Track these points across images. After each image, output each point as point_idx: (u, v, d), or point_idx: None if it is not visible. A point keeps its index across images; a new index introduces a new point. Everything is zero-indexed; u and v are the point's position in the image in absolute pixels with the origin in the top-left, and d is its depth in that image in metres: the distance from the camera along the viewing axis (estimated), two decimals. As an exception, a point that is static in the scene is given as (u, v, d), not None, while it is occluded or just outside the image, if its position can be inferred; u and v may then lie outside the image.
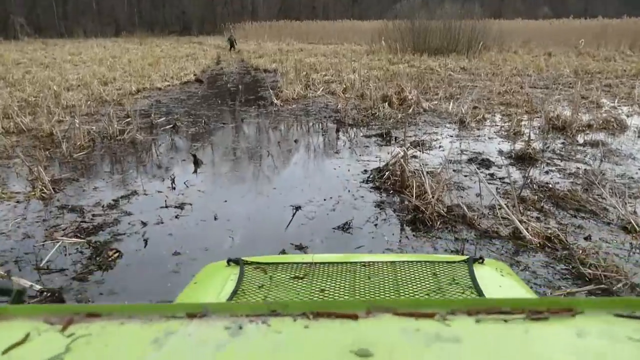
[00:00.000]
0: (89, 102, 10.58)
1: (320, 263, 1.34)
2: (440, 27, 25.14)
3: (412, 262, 1.33)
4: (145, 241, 4.09)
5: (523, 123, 8.26)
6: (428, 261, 1.34)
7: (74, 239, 4.03)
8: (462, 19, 24.93)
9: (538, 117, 8.83)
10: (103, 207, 4.89)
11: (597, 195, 4.91)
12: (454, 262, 1.33)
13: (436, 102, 10.57)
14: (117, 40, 46.22)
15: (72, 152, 6.92)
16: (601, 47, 25.58)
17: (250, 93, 12.95)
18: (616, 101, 10.35)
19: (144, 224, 4.43)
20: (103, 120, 8.66)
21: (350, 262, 1.35)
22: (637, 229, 4.08)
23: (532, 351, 0.51)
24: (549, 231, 4.00)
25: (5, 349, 0.52)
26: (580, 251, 3.71)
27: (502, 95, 11.47)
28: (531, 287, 2.72)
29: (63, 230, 4.25)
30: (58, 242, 3.98)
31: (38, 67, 18.90)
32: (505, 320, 0.55)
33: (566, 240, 3.88)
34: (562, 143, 7.15)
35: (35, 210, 4.82)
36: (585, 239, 4.00)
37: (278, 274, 1.30)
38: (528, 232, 3.94)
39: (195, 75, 16.12)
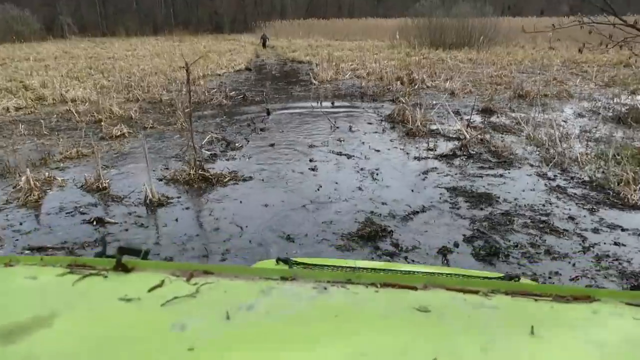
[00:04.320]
0: (174, 83, 14.05)
1: (363, 268, 1.55)
2: (455, 24, 28.05)
3: (450, 274, 1.44)
4: (248, 142, 7.43)
5: (497, 94, 11.36)
6: (465, 275, 1.45)
7: (217, 135, 7.42)
8: (475, 17, 27.82)
9: (511, 91, 11.90)
10: (219, 129, 8.24)
11: (520, 127, 8.04)
12: (491, 278, 1.41)
13: (438, 82, 13.69)
14: (158, 39, 50.17)
15: (184, 109, 10.31)
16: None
17: (292, 77, 16.29)
18: (578, 80, 13.33)
19: (237, 146, 7.77)
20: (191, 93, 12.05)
21: (391, 270, 1.52)
22: (532, 137, 7.23)
23: (556, 318, 0.65)
24: (479, 136, 7.19)
25: (150, 289, 0.69)
26: (494, 145, 6.89)
27: (492, 77, 14.52)
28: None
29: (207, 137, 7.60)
30: (209, 135, 7.35)
31: (108, 60, 22.55)
32: (536, 300, 0.68)
33: (489, 140, 7.06)
34: (518, 104, 10.26)
35: (177, 135, 8.19)
36: (501, 140, 7.17)
37: None
38: (468, 135, 7.15)
39: (245, 64, 19.54)
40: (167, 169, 6.13)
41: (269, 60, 23.35)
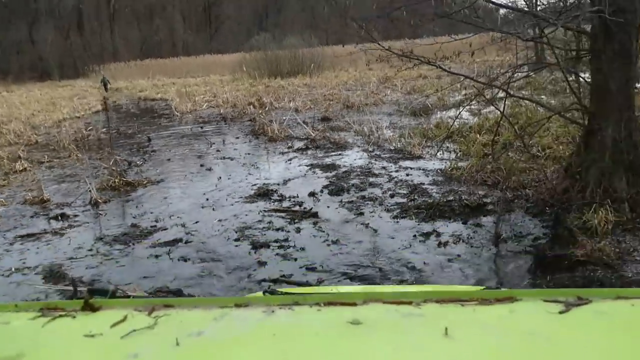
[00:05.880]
0: (39, 127, 14.72)
1: (350, 293, 1.67)
2: (288, 55, 31.70)
3: (428, 292, 1.46)
4: (146, 161, 9.18)
5: (331, 107, 14.41)
6: (447, 291, 1.41)
7: (119, 157, 9.03)
8: (305, 47, 31.80)
9: (341, 104, 15.07)
10: (114, 163, 9.78)
11: (350, 126, 10.95)
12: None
13: (284, 103, 16.45)
14: (-22, 91, 46.27)
15: (64, 145, 11.45)
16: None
17: (153, 112, 17.82)
18: (389, 92, 17.14)
19: (139, 164, 9.48)
20: (65, 132, 13.08)
21: (370, 293, 1.56)
22: (358, 131, 10.12)
23: (474, 319, 0.73)
24: (322, 135, 9.88)
25: (112, 325, 0.76)
26: (333, 138, 9.60)
27: (326, 96, 17.74)
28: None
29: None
30: (112, 158, 8.93)
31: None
32: (462, 305, 0.76)
33: (329, 136, 9.77)
34: (347, 112, 13.36)
35: (77, 164, 9.55)
36: (338, 135, 9.91)
37: None
38: (314, 134, 9.78)
39: (101, 105, 20.36)
40: (90, 184, 7.65)
41: (121, 101, 24.24)
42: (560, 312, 0.71)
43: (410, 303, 0.77)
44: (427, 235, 4.83)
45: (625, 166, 5.23)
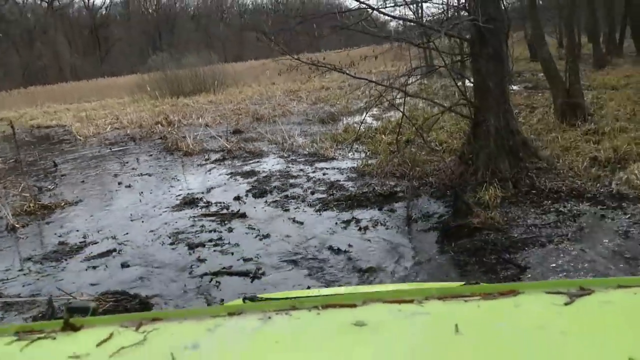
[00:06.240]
0: None
1: (332, 295, 1.54)
2: (188, 73, 31.46)
3: (411, 290, 1.50)
4: (57, 185, 8.96)
5: (241, 120, 14.74)
6: (426, 289, 1.51)
7: (28, 183, 8.71)
8: (204, 65, 31.75)
9: (250, 117, 15.46)
10: (24, 189, 9.39)
11: (263, 136, 11.37)
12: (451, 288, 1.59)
13: (192, 120, 16.48)
14: None
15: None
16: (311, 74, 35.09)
17: (52, 139, 16.98)
18: (295, 103, 17.82)
19: (50, 188, 9.21)
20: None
21: (352, 294, 1.62)
22: (272, 140, 10.57)
23: (481, 315, 0.72)
24: (237, 145, 10.20)
25: (98, 343, 0.70)
26: (248, 148, 9.96)
27: (234, 111, 18.01)
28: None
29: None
30: (21, 184, 8.59)
31: None
32: (465, 301, 0.75)
33: (244, 147, 10.10)
34: (258, 124, 13.78)
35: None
36: (253, 145, 10.28)
37: None
38: (229, 145, 10.07)
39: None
40: (4, 209, 7.36)
41: (10, 131, 22.67)
42: (566, 304, 0.71)
43: (411, 301, 0.75)
44: (348, 222, 5.39)
45: (506, 150, 6.18)
